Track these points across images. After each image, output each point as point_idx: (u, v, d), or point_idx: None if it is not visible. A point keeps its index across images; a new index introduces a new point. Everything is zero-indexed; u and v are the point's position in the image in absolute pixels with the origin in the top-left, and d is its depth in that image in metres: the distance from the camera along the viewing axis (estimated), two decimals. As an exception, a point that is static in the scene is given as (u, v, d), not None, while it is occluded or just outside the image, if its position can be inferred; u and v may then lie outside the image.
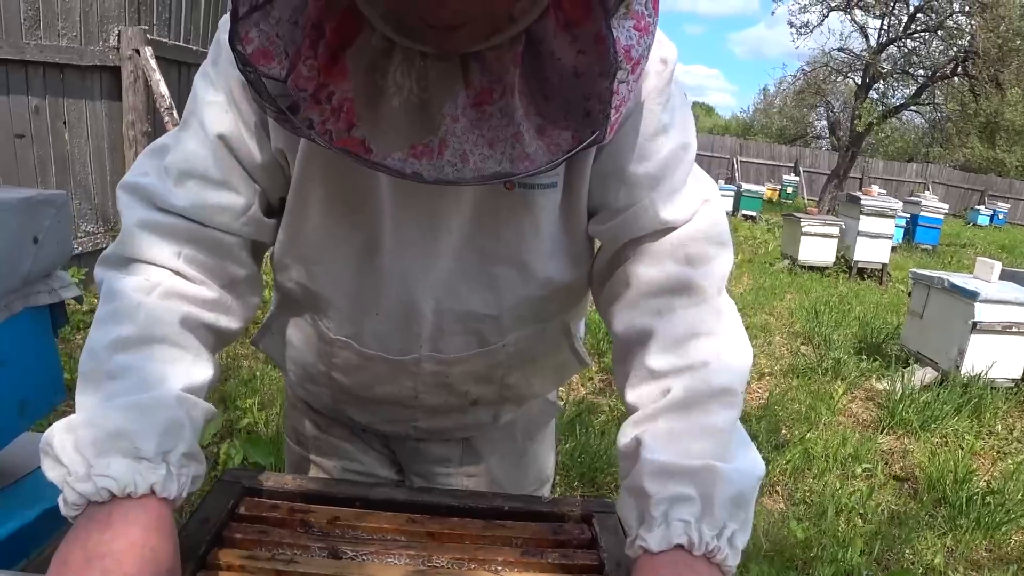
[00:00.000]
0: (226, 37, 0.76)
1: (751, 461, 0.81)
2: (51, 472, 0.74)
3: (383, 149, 0.77)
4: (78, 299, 1.05)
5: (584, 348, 1.20)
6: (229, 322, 0.93)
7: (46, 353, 1.04)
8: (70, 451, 0.72)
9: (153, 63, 4.99)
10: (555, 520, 0.97)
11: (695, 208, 0.92)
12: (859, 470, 3.78)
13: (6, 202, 0.90)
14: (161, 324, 0.83)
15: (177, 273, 0.87)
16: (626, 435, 0.85)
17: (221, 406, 3.44)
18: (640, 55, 0.76)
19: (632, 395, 0.88)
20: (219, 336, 0.92)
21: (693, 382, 0.83)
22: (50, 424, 0.76)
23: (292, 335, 1.12)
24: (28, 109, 4.63)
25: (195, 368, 0.84)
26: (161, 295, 0.84)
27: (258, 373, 3.85)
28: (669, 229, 0.91)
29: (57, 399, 1.08)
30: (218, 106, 0.89)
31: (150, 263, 0.86)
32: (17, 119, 4.57)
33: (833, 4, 15.69)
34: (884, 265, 9.56)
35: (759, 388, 4.96)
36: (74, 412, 0.78)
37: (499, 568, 0.85)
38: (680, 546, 0.75)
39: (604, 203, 0.93)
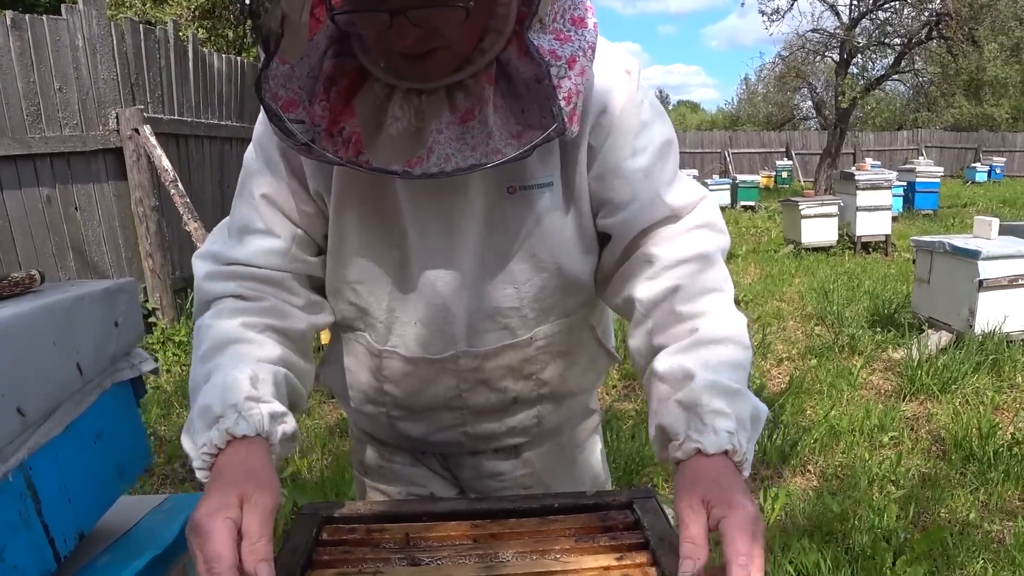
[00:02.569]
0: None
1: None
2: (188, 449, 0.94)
3: (382, 163, 0.97)
4: (154, 371, 1.19)
5: (611, 343, 1.33)
6: (290, 323, 1.10)
7: (133, 422, 1.18)
8: (188, 443, 0.93)
9: (153, 140, 5.18)
10: (601, 510, 1.09)
11: (697, 198, 1.10)
12: (886, 439, 3.87)
13: (92, 293, 1.04)
14: (225, 332, 1.02)
15: (235, 296, 1.07)
16: (665, 363, 1.00)
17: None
18: (571, 54, 0.94)
19: (662, 337, 1.04)
20: (284, 334, 1.08)
21: (714, 325, 1.01)
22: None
23: (347, 359, 1.27)
24: (40, 200, 4.81)
25: (261, 349, 1.02)
26: (224, 314, 1.05)
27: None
28: (677, 216, 1.08)
29: (146, 462, 1.21)
30: (259, 172, 1.10)
31: (216, 298, 1.07)
32: (32, 211, 4.76)
33: (800, -13, 15.84)
34: (887, 236, 9.65)
35: (779, 374, 5.05)
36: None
37: (558, 555, 0.96)
38: (725, 452, 0.90)
39: (607, 198, 1.09)
